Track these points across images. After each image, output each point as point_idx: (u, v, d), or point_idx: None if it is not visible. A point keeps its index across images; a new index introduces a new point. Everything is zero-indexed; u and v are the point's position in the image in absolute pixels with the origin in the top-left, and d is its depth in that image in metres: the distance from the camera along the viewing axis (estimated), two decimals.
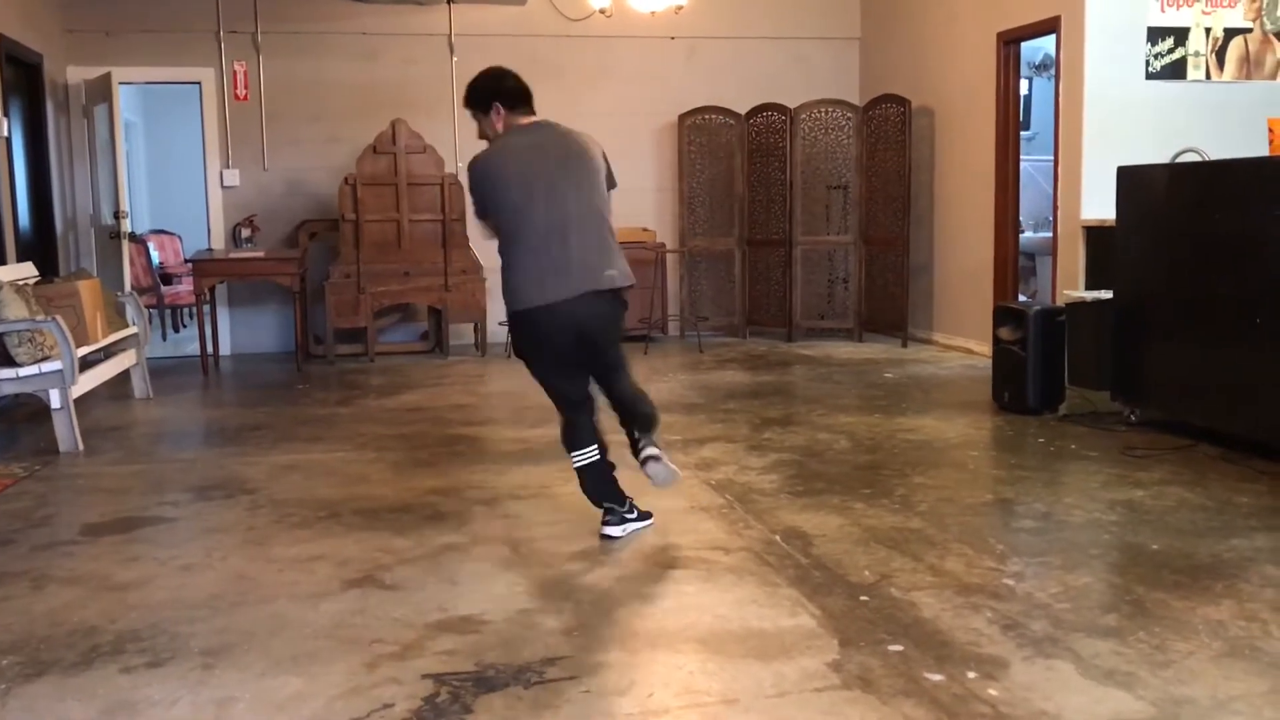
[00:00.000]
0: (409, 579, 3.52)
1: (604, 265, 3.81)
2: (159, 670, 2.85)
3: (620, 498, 3.95)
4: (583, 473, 3.94)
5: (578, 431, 3.93)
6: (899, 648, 2.90)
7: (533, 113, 3.96)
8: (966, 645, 2.91)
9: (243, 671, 2.84)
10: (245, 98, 8.88)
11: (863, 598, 3.28)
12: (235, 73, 8.84)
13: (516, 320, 3.85)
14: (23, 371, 5.37)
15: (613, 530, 3.91)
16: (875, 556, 3.65)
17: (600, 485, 3.95)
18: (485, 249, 8.17)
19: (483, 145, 3.98)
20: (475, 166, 3.88)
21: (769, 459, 5.06)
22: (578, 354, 3.87)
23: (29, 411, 6.25)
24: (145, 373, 6.99)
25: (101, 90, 8.24)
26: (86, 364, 5.92)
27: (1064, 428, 5.57)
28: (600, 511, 3.95)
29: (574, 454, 3.93)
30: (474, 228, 3.99)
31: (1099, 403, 5.79)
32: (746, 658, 2.87)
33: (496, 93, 3.92)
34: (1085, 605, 3.19)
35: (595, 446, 3.94)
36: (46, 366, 5.39)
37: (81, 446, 5.47)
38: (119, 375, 6.62)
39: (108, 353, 6.50)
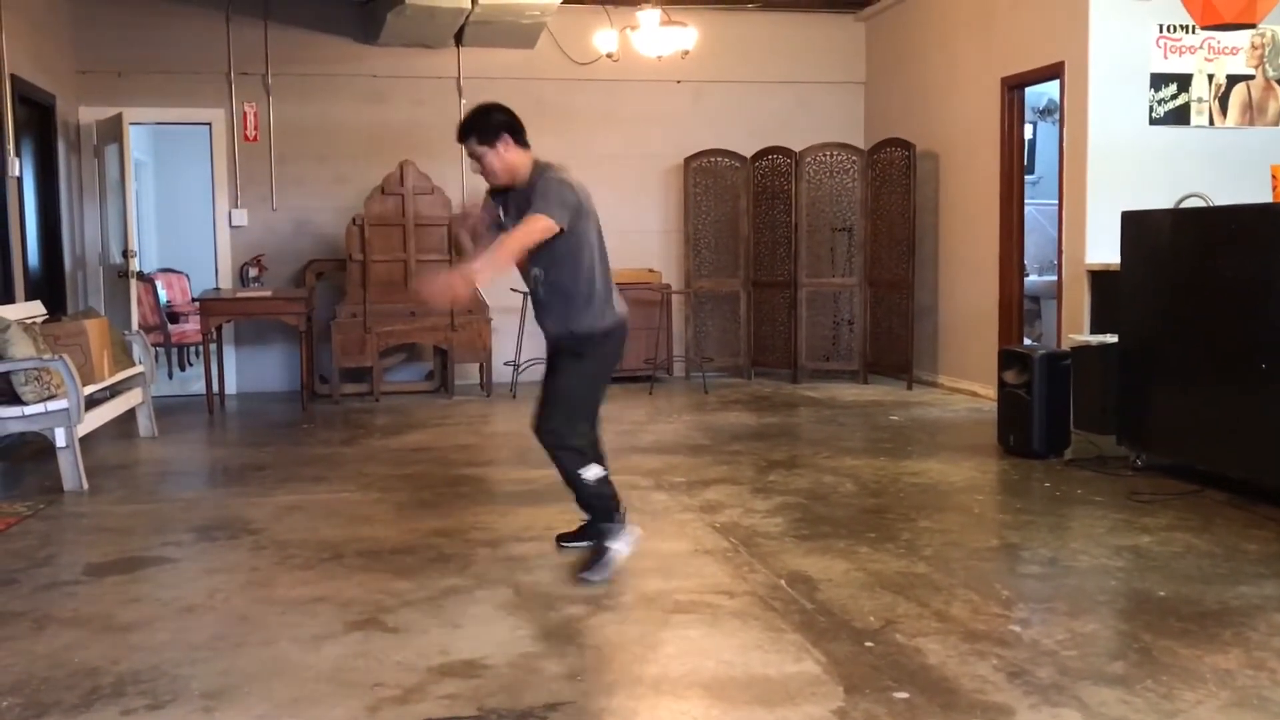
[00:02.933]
0: (411, 621, 3.51)
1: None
2: (160, 713, 2.84)
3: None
4: (607, 481, 4.05)
5: (597, 455, 4.13)
6: (904, 695, 2.88)
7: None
8: (972, 693, 2.89)
9: (244, 714, 2.82)
10: (255, 138, 8.95)
11: (868, 644, 3.25)
12: (245, 114, 8.92)
13: (618, 329, 4.07)
14: (29, 410, 5.38)
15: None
16: (880, 602, 3.63)
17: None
18: (491, 289, 8.23)
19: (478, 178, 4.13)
20: (574, 185, 3.91)
21: (774, 502, 5.04)
22: None
23: (34, 449, 6.25)
24: (151, 411, 7.00)
25: (113, 130, 8.32)
26: (92, 402, 5.93)
27: (1070, 472, 5.55)
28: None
29: (595, 465, 4.03)
30: (516, 243, 3.79)
31: (1105, 447, 5.78)
32: (751, 704, 2.84)
33: (509, 125, 3.95)
34: (1092, 652, 3.17)
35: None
36: (52, 405, 5.40)
37: (86, 485, 5.46)
38: (125, 413, 6.62)
39: (114, 391, 6.51)
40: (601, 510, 4.04)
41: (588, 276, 3.98)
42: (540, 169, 3.98)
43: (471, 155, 4.00)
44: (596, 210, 4.04)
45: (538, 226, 3.80)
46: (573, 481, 4.02)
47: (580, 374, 4.04)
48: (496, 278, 4.00)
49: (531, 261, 3.96)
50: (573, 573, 3.96)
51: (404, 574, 4.01)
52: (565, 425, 3.98)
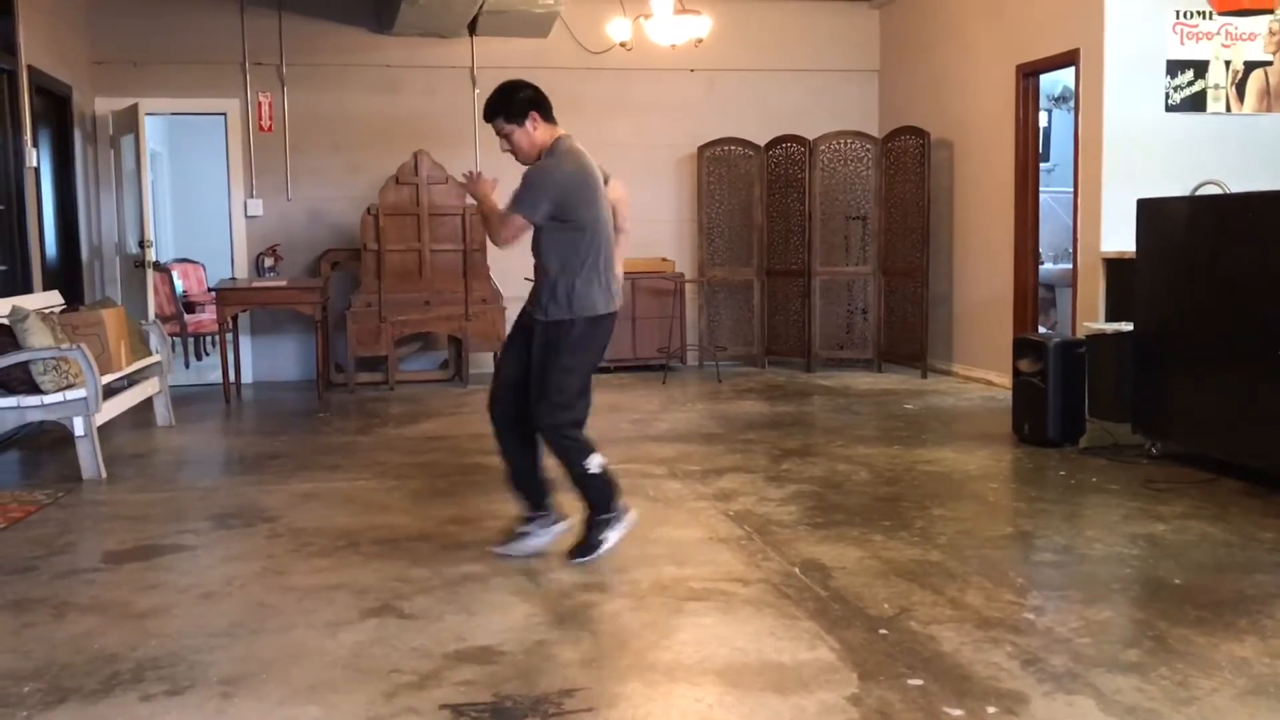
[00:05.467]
0: (427, 608, 3.53)
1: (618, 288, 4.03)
2: (178, 699, 2.86)
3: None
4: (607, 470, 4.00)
5: (591, 440, 4.02)
6: (919, 682, 2.88)
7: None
8: (986, 680, 2.89)
9: (261, 700, 2.84)
10: (269, 128, 8.97)
11: (882, 631, 3.26)
12: (260, 104, 8.94)
13: (591, 325, 3.89)
14: (47, 399, 5.42)
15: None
16: (895, 589, 3.63)
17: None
18: (506, 278, 8.25)
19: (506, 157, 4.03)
20: (567, 170, 3.82)
21: (788, 490, 5.05)
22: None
23: (52, 439, 6.30)
24: (168, 400, 7.04)
25: (128, 121, 8.35)
26: (110, 391, 5.97)
27: (1084, 460, 5.54)
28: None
29: (597, 455, 3.97)
30: (506, 229, 3.83)
31: (1120, 435, 5.76)
32: (764, 691, 2.86)
33: (536, 102, 3.88)
34: (1106, 640, 3.17)
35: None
36: (71, 394, 5.44)
37: (104, 474, 5.50)
38: (142, 403, 6.67)
39: (131, 380, 6.55)
40: (601, 502, 4.01)
41: (564, 264, 3.86)
42: (549, 151, 3.90)
43: (499, 134, 3.92)
44: (600, 191, 3.93)
45: (512, 226, 3.83)
46: (574, 473, 3.97)
47: (556, 365, 3.89)
48: (485, 226, 3.99)
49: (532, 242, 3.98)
50: (564, 556, 4.00)
51: (420, 561, 4.03)
52: (549, 416, 3.91)
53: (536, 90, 3.91)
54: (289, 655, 3.15)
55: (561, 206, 3.82)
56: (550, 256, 3.90)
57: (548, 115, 3.91)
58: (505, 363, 4.12)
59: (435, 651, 3.14)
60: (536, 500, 4.11)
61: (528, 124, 3.86)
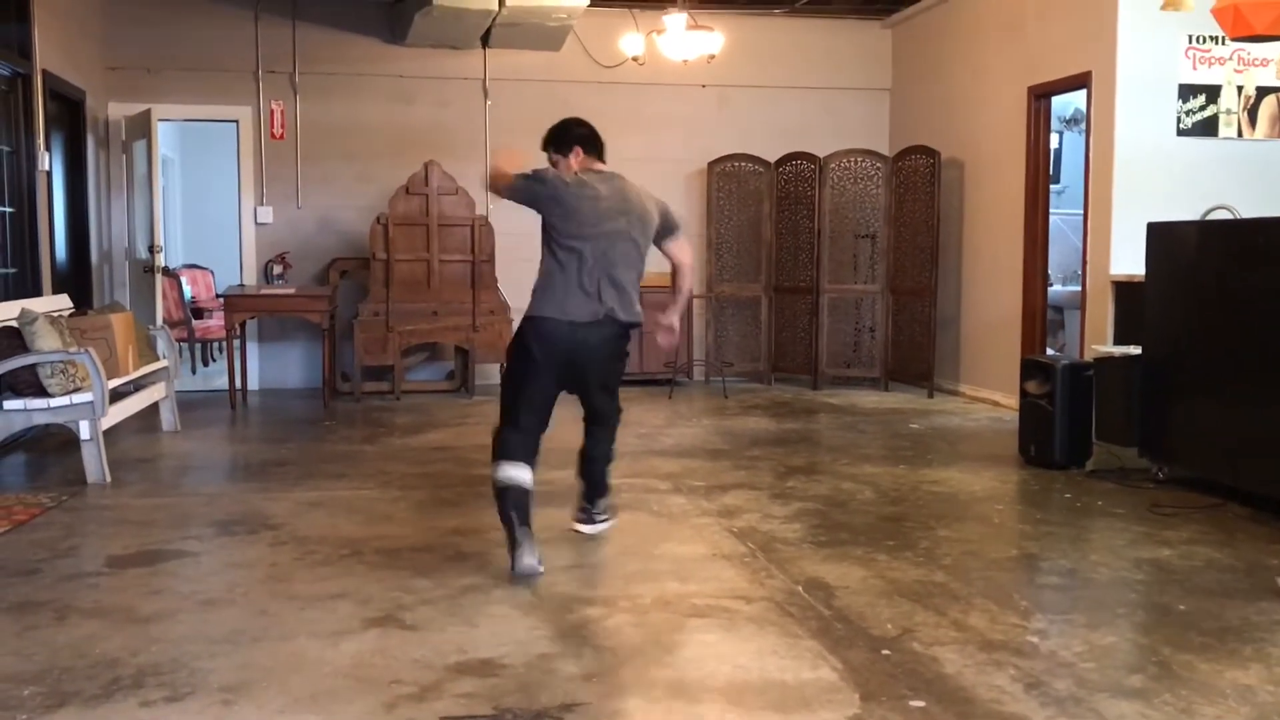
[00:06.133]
0: (429, 620, 3.52)
1: (619, 307, 4.14)
2: (178, 705, 2.86)
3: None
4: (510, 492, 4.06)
5: (512, 448, 4.10)
6: (921, 704, 2.87)
7: (604, 163, 4.31)
8: (989, 703, 2.88)
9: (262, 708, 2.84)
10: (281, 136, 9.00)
11: (885, 652, 3.25)
12: (272, 111, 8.97)
13: (523, 327, 4.14)
14: (54, 402, 5.43)
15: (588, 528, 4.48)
16: (898, 610, 3.62)
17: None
18: (515, 290, 8.25)
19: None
20: (551, 179, 4.13)
21: (792, 508, 5.04)
22: (562, 378, 4.14)
23: (58, 441, 6.31)
24: (174, 405, 7.05)
25: (141, 126, 8.39)
26: (117, 396, 5.98)
27: (1091, 484, 5.52)
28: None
29: (504, 464, 4.07)
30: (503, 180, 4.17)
31: (1126, 459, 5.74)
32: (766, 710, 2.84)
33: (581, 139, 4.27)
34: (1110, 665, 3.16)
35: (529, 471, 4.10)
36: (77, 398, 5.45)
37: (109, 478, 5.51)
38: (148, 407, 6.68)
39: (138, 385, 6.56)
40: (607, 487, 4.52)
41: (543, 267, 4.18)
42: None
43: (549, 163, 4.29)
44: (597, 213, 4.12)
45: (505, 180, 4.13)
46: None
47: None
48: (495, 178, 4.21)
49: None
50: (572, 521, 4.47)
51: (423, 572, 4.02)
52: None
53: (589, 130, 4.29)
54: (290, 664, 3.14)
55: (540, 203, 4.12)
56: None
57: (592, 151, 4.28)
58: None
59: (436, 663, 3.14)
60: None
61: (571, 157, 4.24)
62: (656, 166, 9.30)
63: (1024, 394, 6.05)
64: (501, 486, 4.05)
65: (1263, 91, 6.73)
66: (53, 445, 6.37)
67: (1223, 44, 6.59)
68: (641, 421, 7.38)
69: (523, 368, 4.12)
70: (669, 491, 5.34)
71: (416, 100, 9.14)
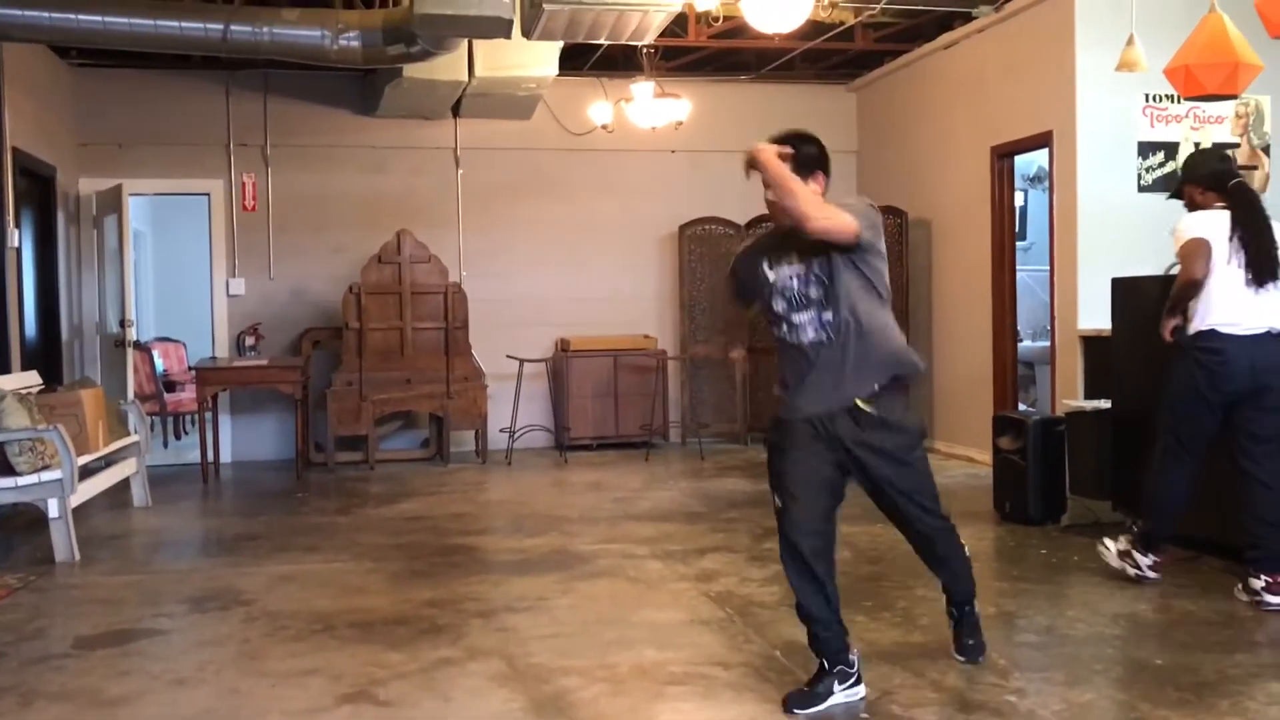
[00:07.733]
0: (403, 695, 3.47)
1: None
2: None
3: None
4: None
5: None
6: None
7: None
8: None
9: None
10: (253, 208, 9.03)
11: (863, 716, 3.22)
12: (244, 184, 9.01)
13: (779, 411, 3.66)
14: (22, 481, 5.37)
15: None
16: (877, 672, 3.60)
17: None
18: (488, 356, 8.26)
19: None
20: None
21: (770, 570, 5.01)
22: None
23: (27, 520, 6.22)
24: (145, 480, 6.98)
25: (112, 201, 8.40)
26: (86, 472, 5.92)
27: (1066, 539, 5.53)
28: None
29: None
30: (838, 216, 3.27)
31: (1101, 513, 5.75)
32: None
33: (819, 161, 3.48)
34: None
35: None
36: (46, 476, 5.39)
37: (78, 556, 5.43)
38: (119, 483, 6.61)
39: (108, 461, 6.50)
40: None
41: (884, 318, 3.54)
42: None
43: (766, 186, 3.35)
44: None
45: (844, 218, 3.24)
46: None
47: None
48: (786, 199, 3.26)
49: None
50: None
51: (396, 645, 3.97)
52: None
53: (822, 148, 3.55)
54: None
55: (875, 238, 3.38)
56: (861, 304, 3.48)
57: (826, 172, 3.56)
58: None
59: None
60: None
61: (811, 182, 3.44)
62: (629, 231, 9.40)
63: (997, 450, 6.08)
64: None
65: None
66: (21, 524, 6.28)
67: (1178, 103, 6.73)
68: (618, 485, 7.35)
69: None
70: (646, 557, 5.31)
71: (388, 170, 9.19)
